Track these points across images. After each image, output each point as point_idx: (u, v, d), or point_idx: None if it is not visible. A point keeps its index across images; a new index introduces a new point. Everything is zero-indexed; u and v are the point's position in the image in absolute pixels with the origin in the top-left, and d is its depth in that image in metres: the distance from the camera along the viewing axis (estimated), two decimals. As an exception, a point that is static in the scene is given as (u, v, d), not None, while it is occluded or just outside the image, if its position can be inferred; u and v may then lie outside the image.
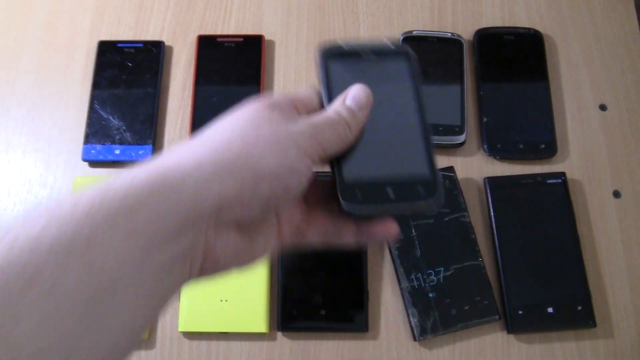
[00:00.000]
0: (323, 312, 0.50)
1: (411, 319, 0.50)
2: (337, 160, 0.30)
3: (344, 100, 0.29)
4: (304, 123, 0.27)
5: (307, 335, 0.51)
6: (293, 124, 0.27)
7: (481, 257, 0.52)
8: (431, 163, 0.33)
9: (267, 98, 0.28)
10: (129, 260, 0.22)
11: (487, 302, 0.51)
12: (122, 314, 0.22)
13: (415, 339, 0.50)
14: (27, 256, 0.19)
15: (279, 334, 0.51)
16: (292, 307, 0.51)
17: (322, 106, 0.30)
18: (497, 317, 0.50)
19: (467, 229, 0.53)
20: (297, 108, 0.29)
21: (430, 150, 0.33)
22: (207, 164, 0.24)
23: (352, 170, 0.30)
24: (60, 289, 0.20)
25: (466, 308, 0.50)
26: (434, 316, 0.50)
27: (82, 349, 0.21)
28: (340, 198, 0.29)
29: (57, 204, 0.21)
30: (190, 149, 0.25)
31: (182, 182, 0.23)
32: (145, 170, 0.23)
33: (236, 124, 0.27)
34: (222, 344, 0.51)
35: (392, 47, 0.34)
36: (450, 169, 0.55)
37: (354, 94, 0.30)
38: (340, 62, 0.32)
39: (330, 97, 0.31)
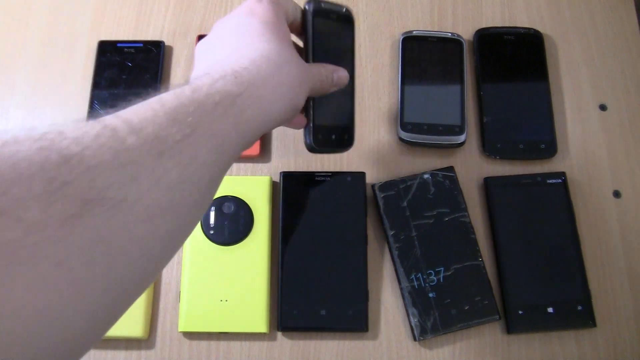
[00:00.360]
0: (323, 312, 0.50)
1: (411, 318, 0.50)
2: (313, 109, 0.41)
3: (333, 71, 0.40)
4: (310, 71, 0.38)
5: (307, 335, 0.51)
6: (305, 68, 0.37)
7: (481, 257, 0.52)
8: (352, 118, 0.47)
9: (270, 11, 0.37)
10: (238, 153, 0.32)
11: (487, 302, 0.51)
12: (215, 191, 0.31)
13: (415, 339, 0.50)
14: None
15: (279, 334, 0.51)
16: (292, 307, 0.51)
17: (305, 46, 0.41)
18: (497, 317, 0.50)
19: (467, 229, 0.53)
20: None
21: (354, 106, 0.47)
22: (292, 99, 0.35)
23: (319, 119, 0.42)
24: (204, 166, 0.28)
25: (466, 308, 0.50)
26: (434, 316, 0.50)
27: (199, 212, 0.30)
28: (312, 141, 0.41)
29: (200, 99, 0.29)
30: (272, 78, 0.33)
31: (277, 107, 0.34)
32: (253, 92, 0.32)
33: (278, 56, 0.35)
34: (222, 344, 0.51)
35: (344, 11, 0.46)
36: (450, 169, 0.55)
37: (341, 75, 0.41)
38: (318, 18, 0.42)
39: (315, 45, 0.41)
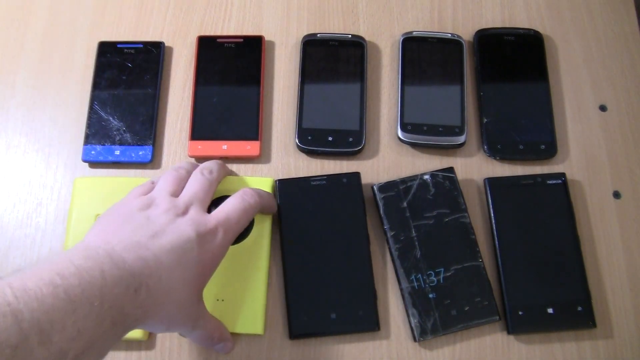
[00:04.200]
0: (333, 315, 0.50)
1: (411, 319, 0.50)
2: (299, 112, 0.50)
3: (219, 339, 0.48)
4: (201, 322, 0.46)
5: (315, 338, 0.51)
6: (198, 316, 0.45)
7: (481, 258, 0.52)
8: (362, 122, 0.55)
9: None
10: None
11: (487, 302, 0.51)
12: None
13: (415, 340, 0.50)
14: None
15: (279, 334, 0.51)
16: (301, 313, 0.50)
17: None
18: (497, 318, 0.50)
19: (467, 230, 0.53)
20: None
21: (364, 113, 0.56)
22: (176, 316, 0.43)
23: (308, 120, 0.48)
24: None
25: (466, 309, 0.50)
26: (434, 317, 0.50)
27: None
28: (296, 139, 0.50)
29: None
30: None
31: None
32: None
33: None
34: (222, 345, 0.51)
35: (350, 37, 0.50)
36: (450, 169, 0.55)
37: (226, 346, 0.49)
38: (314, 46, 0.50)
39: (304, 74, 0.53)
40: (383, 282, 0.53)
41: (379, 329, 0.50)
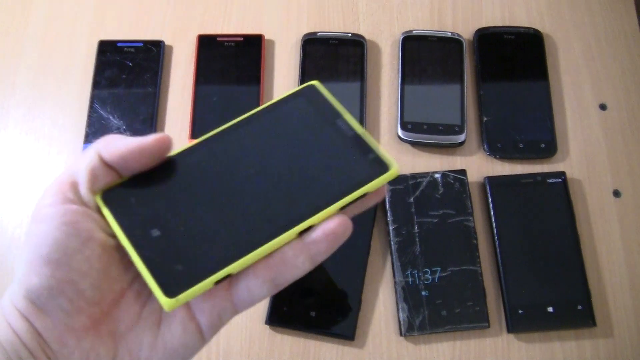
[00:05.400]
0: (313, 313, 0.50)
1: (400, 313, 0.50)
2: None
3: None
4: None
5: (303, 333, 0.51)
6: None
7: (480, 264, 0.52)
8: (362, 121, 0.55)
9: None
10: None
11: (478, 308, 0.50)
12: None
13: (401, 334, 0.50)
14: None
15: (279, 331, 0.51)
16: (282, 303, 0.50)
17: None
18: (487, 325, 0.50)
19: (469, 234, 0.53)
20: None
21: (364, 112, 0.56)
22: None
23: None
24: None
25: (457, 311, 0.50)
26: (424, 314, 0.50)
27: None
28: None
29: None
30: None
31: None
32: None
33: None
34: (222, 342, 0.51)
35: (350, 36, 0.49)
36: (463, 172, 0.55)
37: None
38: (314, 45, 0.51)
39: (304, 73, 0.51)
40: (381, 275, 0.53)
41: (353, 339, 0.50)
